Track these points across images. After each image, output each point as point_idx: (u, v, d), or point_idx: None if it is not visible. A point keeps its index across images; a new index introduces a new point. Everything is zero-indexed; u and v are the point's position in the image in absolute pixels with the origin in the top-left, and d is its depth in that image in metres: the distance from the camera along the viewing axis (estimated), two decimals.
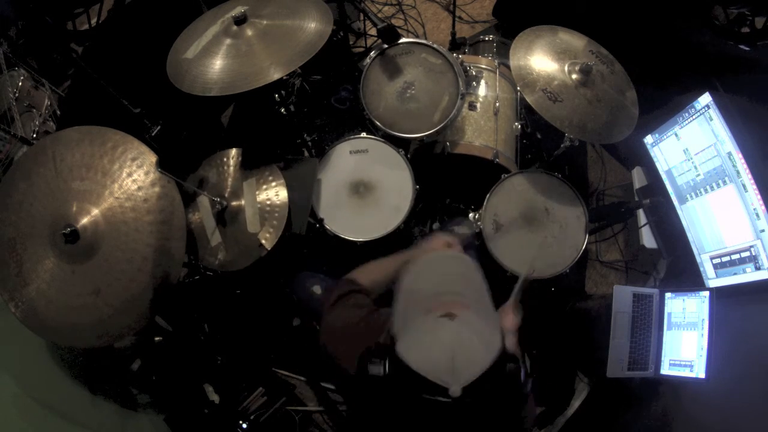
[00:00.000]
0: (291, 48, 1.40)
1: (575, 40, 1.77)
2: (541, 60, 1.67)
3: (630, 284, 2.14)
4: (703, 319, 1.65)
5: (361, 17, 2.59)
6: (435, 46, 1.77)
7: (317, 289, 1.58)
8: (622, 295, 1.83)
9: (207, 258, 1.53)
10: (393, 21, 2.75)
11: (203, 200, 1.55)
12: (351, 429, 0.96)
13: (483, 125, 1.85)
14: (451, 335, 0.64)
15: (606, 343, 1.77)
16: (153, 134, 1.59)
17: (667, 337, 1.75)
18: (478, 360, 0.63)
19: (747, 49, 1.93)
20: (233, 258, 1.52)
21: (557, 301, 2.02)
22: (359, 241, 1.69)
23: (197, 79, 1.39)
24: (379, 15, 2.78)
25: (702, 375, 1.58)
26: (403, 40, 1.76)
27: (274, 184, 1.57)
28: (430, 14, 2.83)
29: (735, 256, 1.66)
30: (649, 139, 2.01)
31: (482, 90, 1.90)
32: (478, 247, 1.79)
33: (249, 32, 1.45)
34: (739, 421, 1.42)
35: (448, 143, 1.80)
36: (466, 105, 1.85)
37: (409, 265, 0.79)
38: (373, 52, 1.79)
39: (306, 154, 2.07)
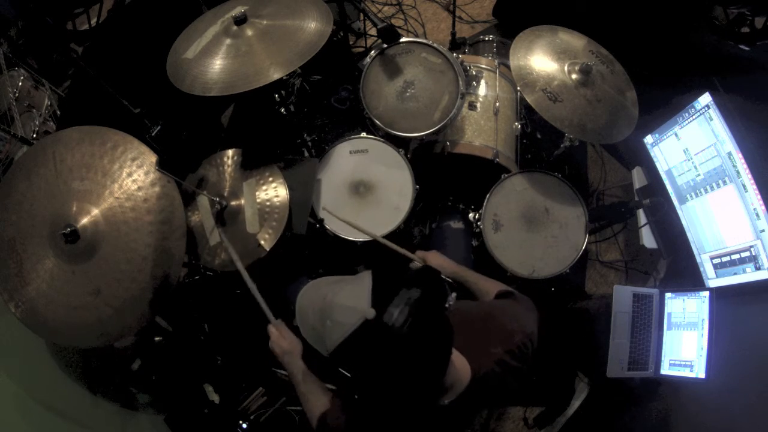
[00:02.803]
0: (291, 48, 1.40)
1: (575, 40, 1.77)
2: (541, 60, 1.67)
3: (630, 284, 2.14)
4: (703, 319, 1.65)
5: (361, 17, 2.59)
6: (435, 45, 1.77)
7: None
8: (622, 295, 1.83)
9: (206, 258, 1.53)
10: (393, 21, 2.75)
11: (202, 200, 1.55)
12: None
13: (483, 125, 1.85)
14: (332, 302, 0.80)
15: (606, 343, 1.77)
16: (153, 134, 1.59)
17: (667, 337, 1.75)
18: (359, 290, 0.78)
19: (747, 49, 1.93)
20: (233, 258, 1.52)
21: (557, 301, 2.02)
22: (359, 241, 1.69)
23: (197, 79, 1.39)
24: (379, 15, 2.78)
25: (702, 375, 1.58)
26: (403, 39, 1.76)
27: (274, 184, 1.57)
28: (430, 14, 2.83)
29: (735, 256, 1.66)
30: (649, 139, 2.02)
31: (482, 90, 1.90)
32: (470, 241, 1.79)
33: (249, 32, 1.45)
34: (739, 421, 1.42)
35: (448, 143, 1.80)
36: (466, 105, 1.85)
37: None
38: (373, 51, 1.79)
39: (306, 154, 2.07)
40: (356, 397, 0.82)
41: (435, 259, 1.37)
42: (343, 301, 0.78)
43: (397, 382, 0.76)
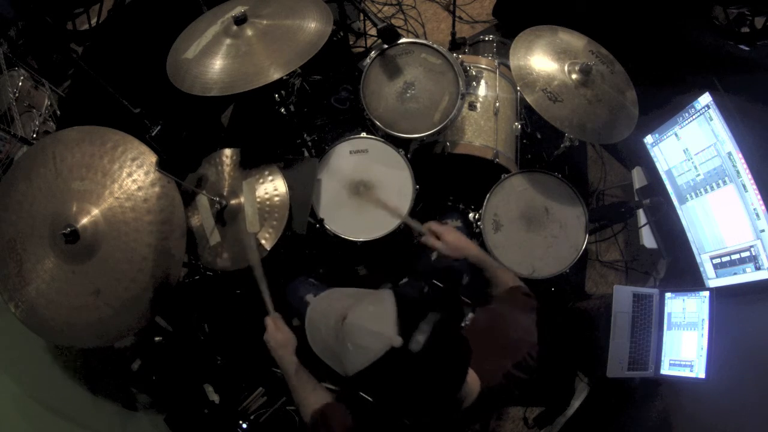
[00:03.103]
0: (291, 48, 1.40)
1: (575, 40, 1.77)
2: (541, 60, 1.67)
3: (630, 284, 2.14)
4: (703, 319, 1.65)
5: (361, 17, 2.59)
6: (435, 46, 1.77)
7: (310, 297, 1.58)
8: (622, 295, 1.83)
9: (207, 258, 1.53)
10: (393, 21, 2.75)
11: (202, 200, 1.55)
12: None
13: (483, 125, 1.85)
14: (354, 324, 0.78)
15: (606, 343, 1.77)
16: (153, 134, 1.59)
17: (667, 337, 1.75)
18: (383, 313, 0.76)
19: (747, 49, 1.93)
20: (233, 258, 1.52)
21: (557, 301, 2.02)
22: (359, 241, 1.69)
23: (197, 79, 1.39)
24: (379, 15, 2.78)
25: (702, 375, 1.58)
26: (403, 40, 1.76)
27: (273, 183, 1.57)
28: (430, 14, 2.83)
29: (735, 256, 1.66)
30: (649, 139, 2.02)
31: (482, 90, 1.90)
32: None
33: (249, 32, 1.45)
34: (739, 421, 1.42)
35: (448, 143, 1.80)
36: (466, 105, 1.85)
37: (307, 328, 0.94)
38: (373, 52, 1.79)
39: (306, 154, 2.07)
40: (371, 415, 0.81)
41: (450, 235, 1.24)
42: (367, 324, 0.77)
43: (417, 403, 0.76)
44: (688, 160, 1.82)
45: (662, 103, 1.96)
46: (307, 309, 0.93)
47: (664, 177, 1.95)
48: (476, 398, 0.90)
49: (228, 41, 1.45)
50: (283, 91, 2.02)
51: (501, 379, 0.94)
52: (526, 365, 0.98)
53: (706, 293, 1.68)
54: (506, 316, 1.08)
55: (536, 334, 1.04)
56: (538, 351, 1.01)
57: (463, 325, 0.84)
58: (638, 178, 2.12)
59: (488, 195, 1.77)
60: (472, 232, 1.80)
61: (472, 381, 0.90)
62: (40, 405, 1.43)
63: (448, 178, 1.99)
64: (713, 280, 1.74)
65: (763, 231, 1.57)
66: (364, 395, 0.77)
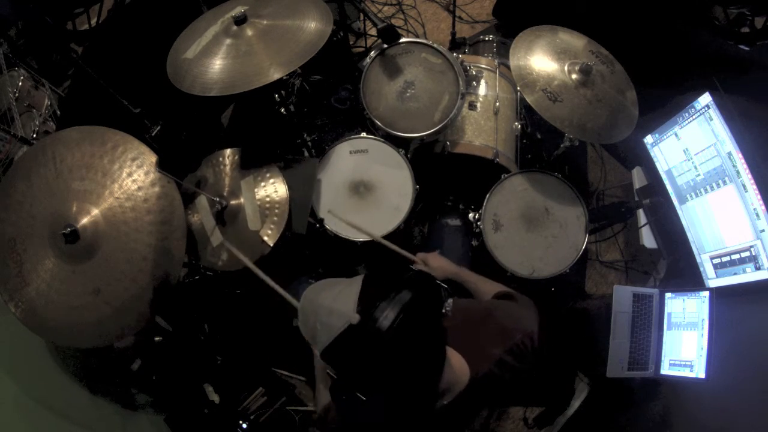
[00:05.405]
0: (291, 48, 1.40)
1: (575, 40, 1.77)
2: (541, 60, 1.67)
3: (630, 284, 2.14)
4: (703, 319, 1.65)
5: (361, 17, 2.59)
6: (435, 45, 1.77)
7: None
8: (622, 295, 1.83)
9: (207, 258, 1.53)
10: (393, 21, 2.75)
11: (202, 200, 1.55)
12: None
13: (483, 125, 1.85)
14: (321, 304, 0.81)
15: (606, 343, 1.77)
16: (153, 134, 1.59)
17: (667, 337, 1.75)
18: (348, 292, 0.79)
19: (747, 49, 1.93)
20: (233, 258, 1.51)
21: (557, 301, 2.02)
22: (359, 241, 1.69)
23: (197, 79, 1.39)
24: (379, 15, 2.78)
25: (702, 375, 1.58)
26: (403, 39, 1.76)
27: (272, 181, 1.57)
28: (430, 14, 2.83)
29: (735, 256, 1.66)
30: (649, 139, 2.01)
31: (482, 90, 1.90)
32: (468, 239, 1.80)
33: (249, 32, 1.45)
34: (739, 421, 1.42)
35: (448, 143, 1.80)
36: (466, 105, 1.85)
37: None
38: (373, 52, 1.79)
39: (306, 154, 2.07)
40: (343, 396, 0.81)
41: (435, 260, 1.37)
42: (331, 303, 0.78)
43: (387, 384, 0.76)
44: (688, 160, 1.82)
45: (662, 103, 1.96)
46: (300, 299, 0.93)
47: (664, 177, 1.95)
48: (466, 387, 0.89)
49: (228, 41, 1.45)
50: (283, 91, 2.02)
51: (492, 367, 0.94)
52: (519, 352, 0.97)
53: (706, 293, 1.68)
54: (498, 307, 1.08)
55: (533, 325, 1.03)
56: (535, 339, 1.01)
57: (444, 311, 0.84)
58: (638, 178, 2.12)
59: (488, 195, 1.77)
60: (472, 231, 1.80)
61: (460, 368, 0.90)
62: (40, 405, 1.43)
63: (448, 178, 1.99)
64: (713, 280, 1.74)
65: (763, 231, 1.57)
66: (329, 373, 0.79)
